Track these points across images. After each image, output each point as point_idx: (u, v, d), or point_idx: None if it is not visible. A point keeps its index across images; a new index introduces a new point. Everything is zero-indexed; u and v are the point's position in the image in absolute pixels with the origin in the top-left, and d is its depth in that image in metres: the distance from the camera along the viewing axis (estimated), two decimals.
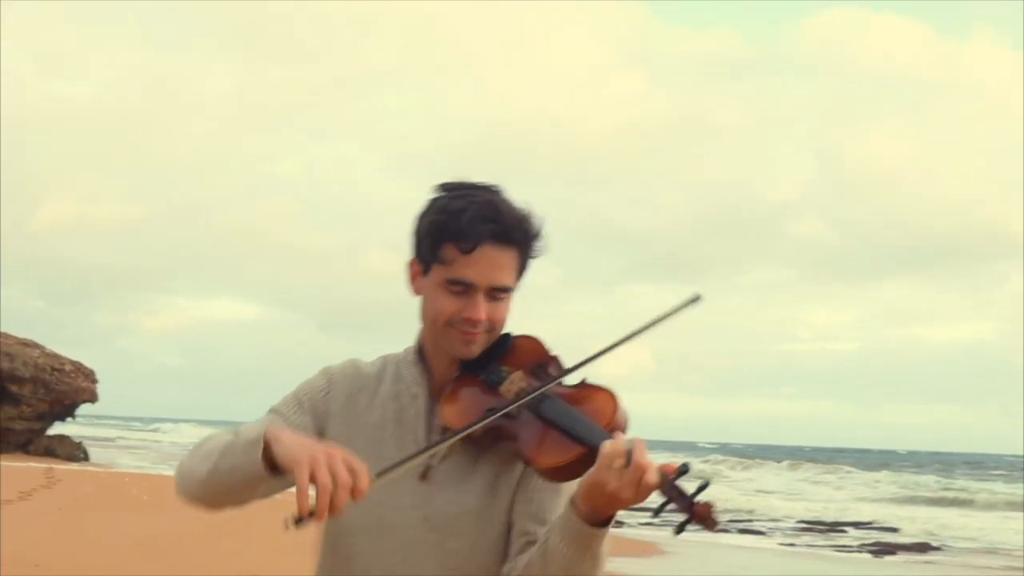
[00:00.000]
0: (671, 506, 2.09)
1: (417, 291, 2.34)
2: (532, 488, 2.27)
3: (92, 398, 35.60)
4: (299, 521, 1.96)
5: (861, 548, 22.09)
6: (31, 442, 34.32)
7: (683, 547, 19.91)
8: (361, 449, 2.19)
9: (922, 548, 22.31)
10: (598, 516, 2.10)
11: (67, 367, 35.25)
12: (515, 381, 2.29)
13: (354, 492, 1.98)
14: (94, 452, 36.95)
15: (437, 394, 2.32)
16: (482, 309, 2.26)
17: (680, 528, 2.08)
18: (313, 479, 1.96)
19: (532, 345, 2.36)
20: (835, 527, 26.28)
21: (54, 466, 26.77)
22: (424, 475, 2.27)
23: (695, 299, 2.24)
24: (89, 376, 35.89)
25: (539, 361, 2.33)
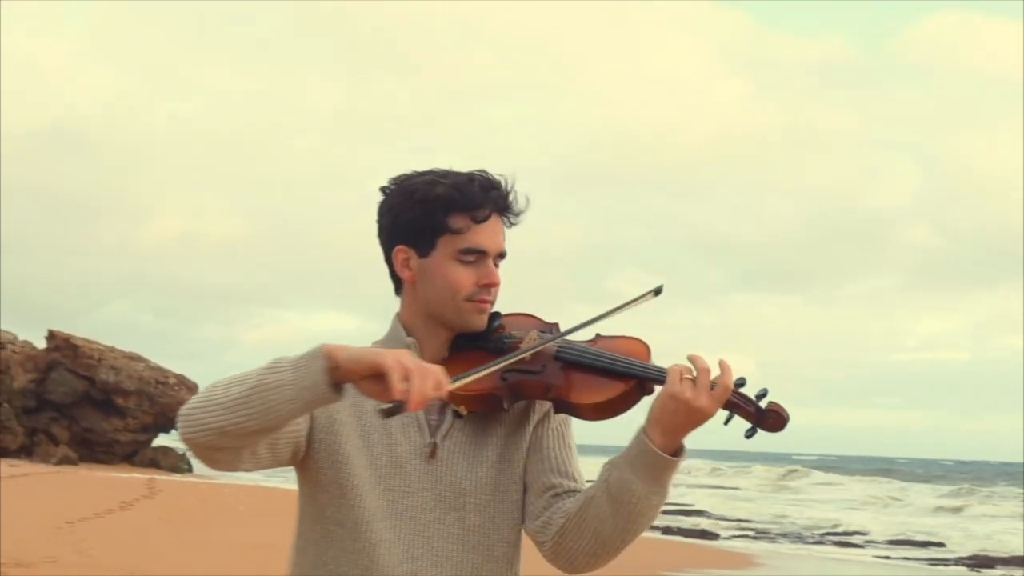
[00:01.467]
0: (737, 415, 2.16)
1: (412, 276, 2.32)
2: (546, 447, 2.31)
3: None
4: (390, 411, 1.96)
5: (958, 562, 21.75)
6: (136, 453, 35.13)
7: (777, 559, 19.84)
8: (366, 436, 2.26)
9: (1022, 563, 21.87)
10: (670, 444, 2.14)
11: (171, 380, 36.05)
12: (532, 339, 2.30)
13: (438, 389, 1.97)
14: (198, 464, 37.54)
15: None
16: (497, 273, 2.31)
17: (751, 432, 2.15)
18: (407, 378, 1.95)
19: (526, 318, 2.38)
20: (932, 541, 25.87)
21: (156, 477, 27.37)
22: (432, 454, 2.27)
23: (658, 289, 2.29)
24: (192, 389, 36.57)
25: (542, 327, 2.35)
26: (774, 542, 24.29)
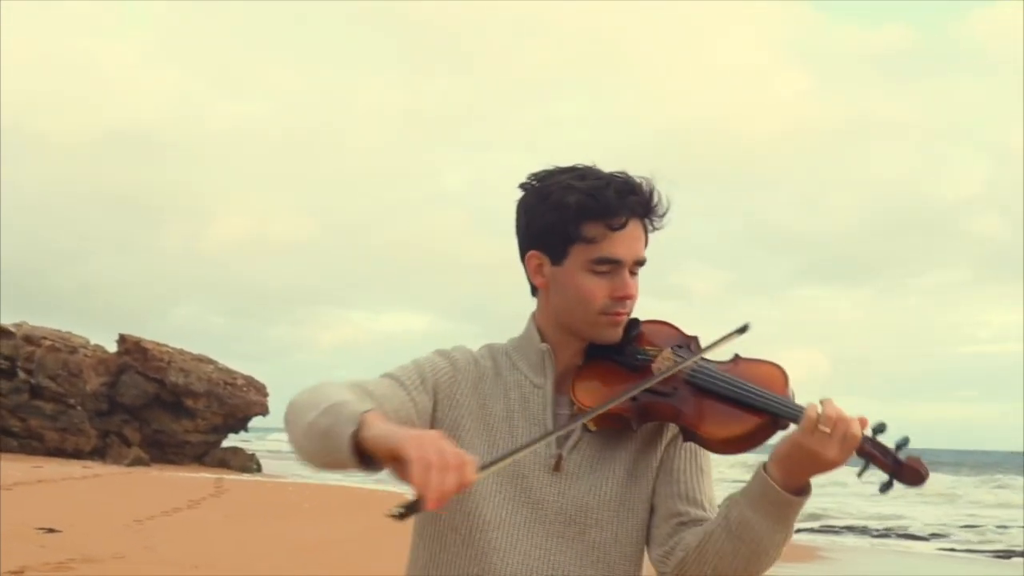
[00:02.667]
0: (873, 466, 2.02)
1: (545, 283, 2.23)
2: (676, 469, 2.21)
3: (263, 411, 36.82)
4: (405, 513, 1.80)
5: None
6: (206, 454, 35.68)
7: (842, 552, 19.78)
8: (491, 441, 2.19)
9: None
10: (794, 483, 2.04)
11: (239, 381, 36.56)
12: (666, 357, 2.19)
13: (461, 484, 1.80)
14: (266, 463, 37.96)
15: (561, 384, 2.23)
16: (632, 285, 2.19)
17: (887, 486, 2.02)
18: (426, 471, 1.78)
19: (665, 327, 2.27)
20: (997, 532, 25.61)
21: (224, 476, 27.74)
22: (557, 466, 2.19)
23: (743, 328, 2.18)
24: (260, 390, 37.11)
25: (679, 341, 2.23)
26: (839, 535, 24.20)
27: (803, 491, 2.05)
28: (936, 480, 46.75)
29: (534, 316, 2.29)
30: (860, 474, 2.04)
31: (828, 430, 1.99)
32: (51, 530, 13.25)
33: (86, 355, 35.52)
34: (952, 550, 22.01)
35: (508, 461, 1.99)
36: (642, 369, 2.18)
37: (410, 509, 1.79)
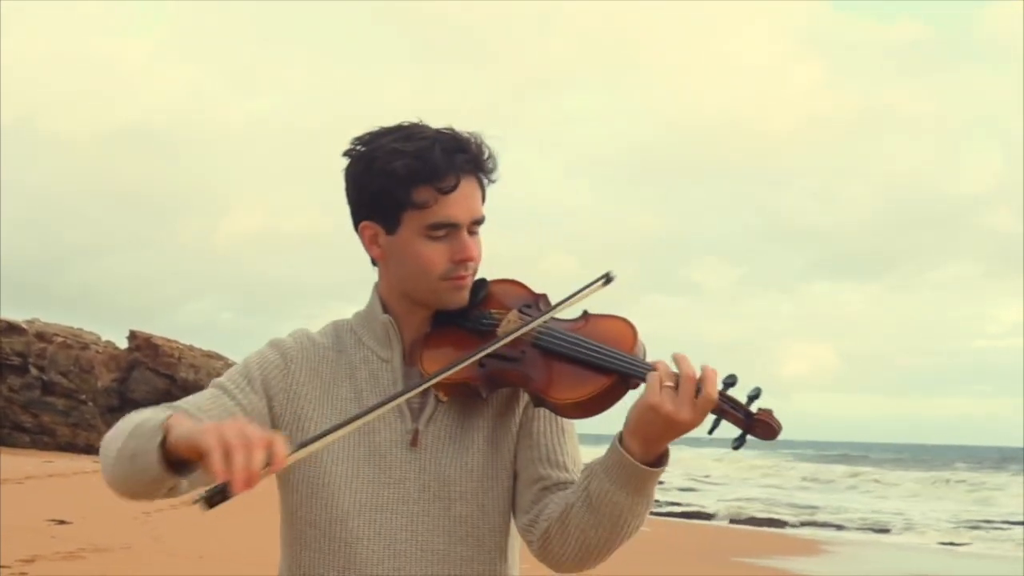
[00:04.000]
0: (724, 421, 1.93)
1: (382, 254, 2.14)
2: (537, 432, 2.13)
3: None
4: (211, 499, 1.69)
5: None
6: None
7: (844, 546, 19.92)
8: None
9: None
10: (651, 453, 1.94)
11: None
12: (511, 321, 2.10)
13: (273, 462, 1.73)
14: None
15: (411, 356, 2.15)
16: (472, 246, 2.10)
17: (739, 442, 1.92)
18: (228, 455, 1.69)
19: (514, 286, 2.18)
20: (1001, 527, 25.74)
21: None
22: (414, 441, 2.10)
23: (608, 277, 2.10)
24: None
25: (528, 300, 2.15)
26: (841, 530, 24.36)
27: (660, 461, 1.96)
28: (941, 475, 46.86)
29: (377, 287, 2.20)
30: (711, 431, 1.94)
31: (675, 386, 1.89)
32: (62, 522, 13.55)
33: (97, 351, 35.79)
34: (952, 544, 22.14)
35: (329, 439, 1.88)
36: (488, 334, 2.10)
37: (217, 494, 1.68)
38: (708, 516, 26.00)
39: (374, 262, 2.19)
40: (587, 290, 2.07)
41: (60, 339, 35.16)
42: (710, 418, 1.92)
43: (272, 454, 1.71)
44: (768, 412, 1.90)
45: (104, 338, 36.99)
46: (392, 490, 2.09)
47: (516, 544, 2.20)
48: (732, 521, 24.95)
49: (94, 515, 14.48)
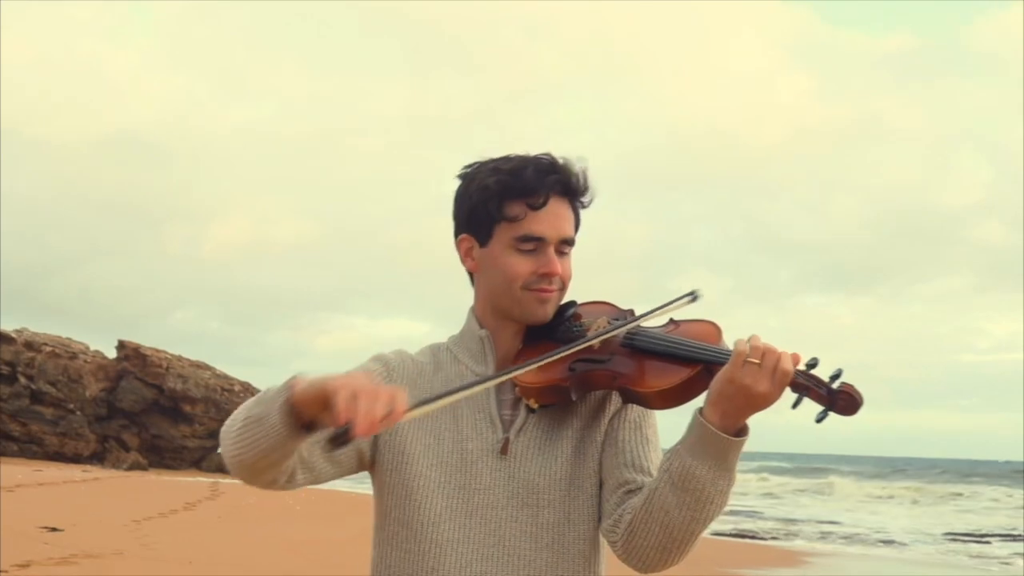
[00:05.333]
0: (807, 398, 1.99)
1: (475, 266, 2.26)
2: (622, 440, 2.20)
3: None
4: (335, 439, 1.78)
5: (1011, 558, 21.77)
6: (204, 459, 35.90)
7: (822, 557, 19.99)
8: (437, 434, 2.20)
9: None
10: (731, 424, 2.00)
11: (236, 387, 36.86)
12: (600, 326, 2.21)
13: (392, 415, 1.80)
14: None
15: (503, 369, 2.22)
16: (557, 262, 2.20)
17: (823, 416, 1.98)
18: (354, 398, 1.79)
19: (602, 305, 2.29)
20: (981, 539, 25.90)
21: (220, 480, 27.98)
22: (503, 450, 2.19)
23: (693, 296, 2.20)
24: None
25: (616, 315, 2.25)
26: (821, 540, 24.51)
27: (741, 432, 2.01)
28: (926, 488, 47.01)
29: (473, 308, 2.31)
30: (795, 405, 2.00)
31: (758, 361, 1.96)
32: (53, 529, 13.70)
33: (86, 361, 35.86)
34: (934, 556, 22.25)
35: (445, 402, 1.99)
36: (578, 339, 2.19)
37: (341, 435, 1.77)
38: None
39: (472, 281, 2.31)
40: (673, 304, 2.19)
41: (49, 348, 35.26)
42: (792, 396, 2.00)
43: (393, 407, 1.80)
44: (851, 386, 1.97)
45: (92, 346, 37.10)
46: (482, 496, 2.18)
47: (602, 553, 2.26)
48: (714, 533, 25.16)
49: (85, 523, 14.68)
